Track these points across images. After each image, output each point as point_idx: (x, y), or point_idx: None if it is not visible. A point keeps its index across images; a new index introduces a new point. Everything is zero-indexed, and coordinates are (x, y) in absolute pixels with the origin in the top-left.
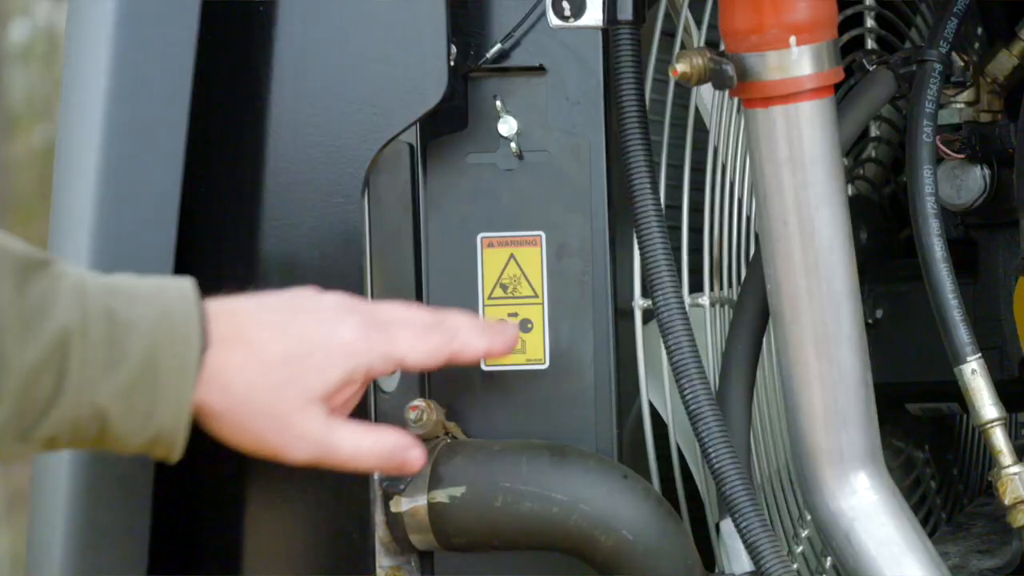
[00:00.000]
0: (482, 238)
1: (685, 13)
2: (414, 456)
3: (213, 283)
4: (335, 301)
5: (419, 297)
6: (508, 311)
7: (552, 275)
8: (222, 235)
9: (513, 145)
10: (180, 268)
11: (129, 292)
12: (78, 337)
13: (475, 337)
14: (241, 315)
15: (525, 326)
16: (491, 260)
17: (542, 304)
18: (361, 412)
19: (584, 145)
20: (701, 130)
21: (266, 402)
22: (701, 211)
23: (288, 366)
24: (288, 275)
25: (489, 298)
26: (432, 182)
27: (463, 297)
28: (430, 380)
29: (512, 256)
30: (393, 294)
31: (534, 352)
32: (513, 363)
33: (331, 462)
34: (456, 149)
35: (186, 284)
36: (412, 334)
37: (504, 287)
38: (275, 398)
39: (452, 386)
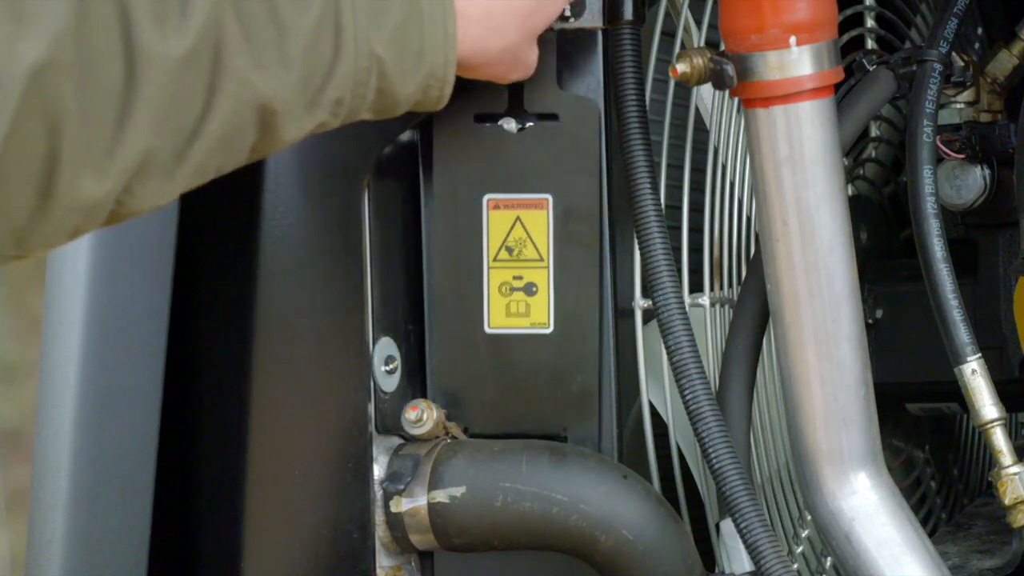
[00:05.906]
0: (488, 200)
1: (685, 13)
2: None
3: (213, 284)
4: None
5: (419, 297)
6: (513, 274)
7: (558, 239)
8: (222, 235)
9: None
10: (181, 269)
11: None
12: None
13: None
14: None
15: (530, 290)
16: (497, 222)
17: (547, 268)
18: (361, 413)
19: (593, 109)
20: (701, 130)
21: (506, 31)
22: (701, 211)
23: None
24: (289, 276)
25: (494, 260)
26: (438, 143)
27: (468, 259)
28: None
29: (518, 219)
30: (393, 294)
31: (538, 316)
32: (517, 327)
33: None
34: (463, 110)
35: None
36: None
37: (510, 250)
38: (512, 31)
39: (455, 351)
